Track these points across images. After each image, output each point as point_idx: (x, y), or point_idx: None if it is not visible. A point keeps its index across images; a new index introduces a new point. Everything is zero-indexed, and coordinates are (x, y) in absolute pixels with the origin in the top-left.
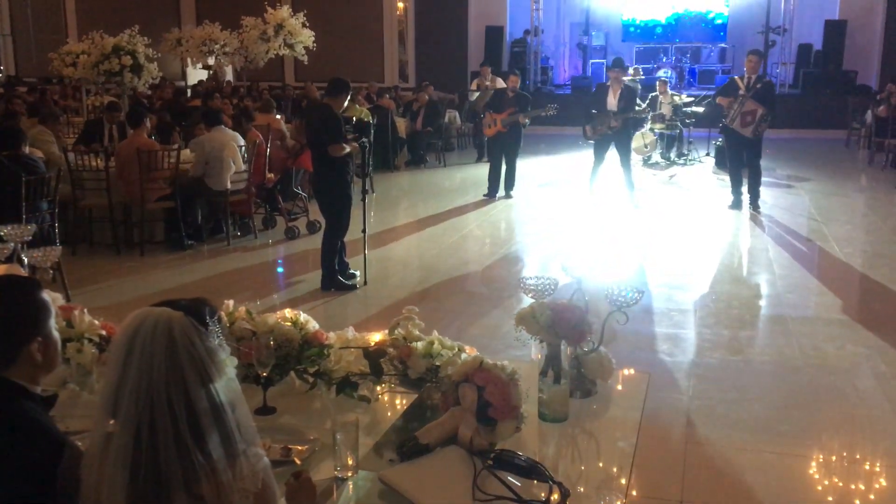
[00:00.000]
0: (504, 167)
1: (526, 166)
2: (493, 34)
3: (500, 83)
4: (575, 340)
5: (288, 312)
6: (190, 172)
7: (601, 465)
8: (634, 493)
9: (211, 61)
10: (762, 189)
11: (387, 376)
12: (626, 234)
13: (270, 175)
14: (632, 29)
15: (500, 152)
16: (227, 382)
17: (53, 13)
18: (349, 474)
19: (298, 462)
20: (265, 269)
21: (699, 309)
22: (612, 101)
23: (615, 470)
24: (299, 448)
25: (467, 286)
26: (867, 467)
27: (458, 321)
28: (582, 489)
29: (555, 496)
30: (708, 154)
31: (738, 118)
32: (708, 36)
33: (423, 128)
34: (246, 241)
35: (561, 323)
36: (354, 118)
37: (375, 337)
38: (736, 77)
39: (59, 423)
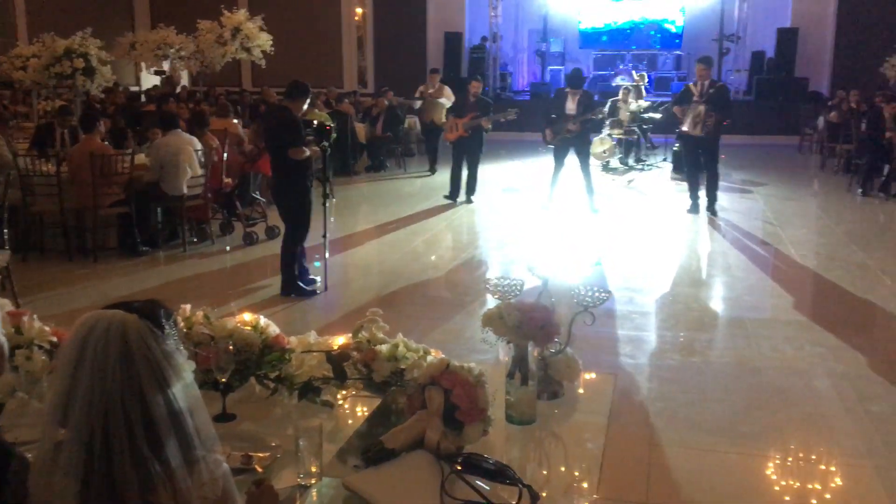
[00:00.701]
0: (466, 172)
1: (487, 171)
2: (452, 40)
3: (448, 92)
4: (542, 341)
5: (248, 316)
6: (145, 177)
7: (569, 467)
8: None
9: (166, 66)
10: (718, 193)
11: (350, 380)
12: (587, 238)
13: (228, 180)
14: (589, 35)
15: (462, 157)
16: (184, 387)
17: (1, 15)
18: (312, 481)
19: (260, 470)
20: (223, 275)
21: (659, 311)
22: (570, 106)
23: (582, 472)
24: (260, 455)
25: (429, 291)
26: (824, 467)
27: (420, 326)
28: (545, 493)
29: (524, 500)
30: (665, 160)
31: (693, 124)
32: (664, 43)
33: (382, 133)
34: (203, 247)
35: (529, 324)
36: (315, 122)
37: (339, 340)
38: (690, 84)
39: (7, 433)
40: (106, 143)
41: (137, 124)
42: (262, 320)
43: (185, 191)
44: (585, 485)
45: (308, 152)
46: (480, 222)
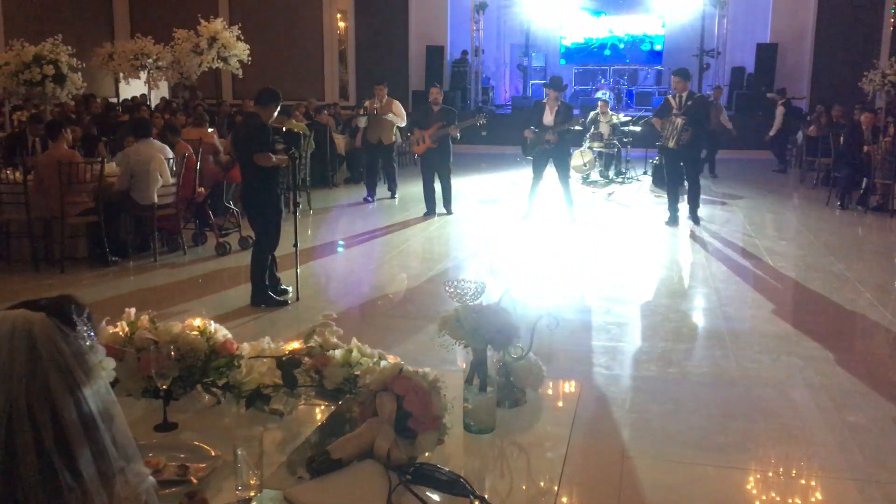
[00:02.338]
0: (439, 184)
1: (465, 184)
2: (434, 54)
3: (397, 108)
4: (501, 345)
5: (197, 321)
6: (115, 186)
7: (528, 478)
8: None
9: (143, 76)
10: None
11: (301, 388)
12: (565, 249)
13: (201, 189)
14: (570, 50)
15: (432, 169)
16: (98, 390)
17: None
18: (252, 494)
19: (195, 481)
20: (193, 285)
21: (637, 322)
22: (548, 118)
23: (543, 483)
24: (199, 466)
25: (403, 302)
26: (802, 480)
27: (391, 336)
28: None
29: None
30: (645, 173)
31: (669, 137)
32: (645, 58)
33: (362, 144)
34: (174, 257)
35: (486, 326)
36: (284, 128)
37: (293, 346)
38: (669, 97)
39: None
40: (75, 150)
41: (112, 133)
42: (212, 325)
43: (156, 200)
44: (544, 497)
45: (275, 159)
46: (456, 233)
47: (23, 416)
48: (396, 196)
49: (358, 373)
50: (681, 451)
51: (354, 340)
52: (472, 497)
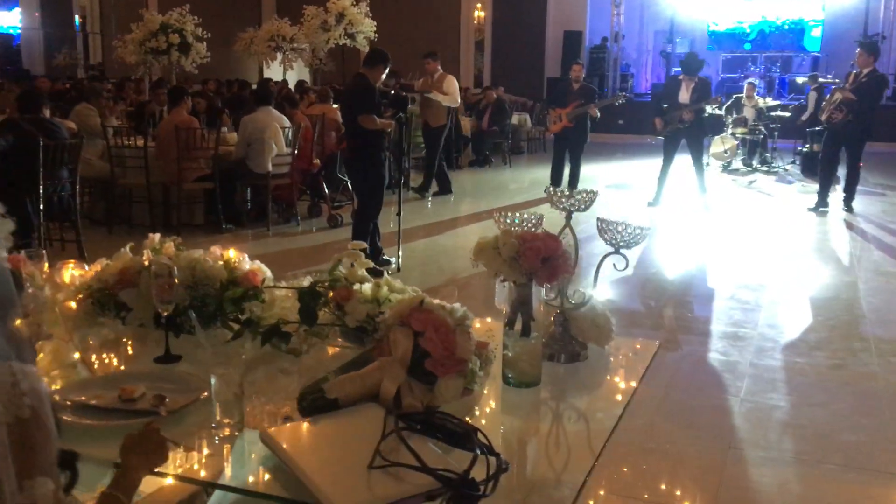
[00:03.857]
0: (568, 165)
1: (595, 170)
2: (572, 39)
3: (449, 85)
4: (546, 279)
5: (232, 253)
6: (233, 154)
7: (567, 445)
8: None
9: (279, 58)
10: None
11: (321, 325)
12: (693, 234)
13: (316, 161)
14: (719, 36)
15: (564, 149)
16: None
17: (136, 11)
18: (226, 432)
19: (164, 414)
20: (301, 254)
21: (765, 309)
22: (684, 95)
23: (581, 455)
24: (177, 399)
25: None
26: None
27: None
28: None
29: (486, 469)
30: (793, 162)
31: (825, 110)
32: (800, 45)
33: (488, 127)
34: (287, 227)
35: (528, 255)
36: (392, 91)
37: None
38: (852, 72)
39: None
40: (194, 117)
41: (240, 109)
42: (244, 259)
43: (270, 168)
44: (574, 472)
45: (379, 122)
46: (576, 215)
47: None
48: (428, 195)
49: (385, 311)
50: (798, 447)
51: (386, 275)
52: (481, 452)
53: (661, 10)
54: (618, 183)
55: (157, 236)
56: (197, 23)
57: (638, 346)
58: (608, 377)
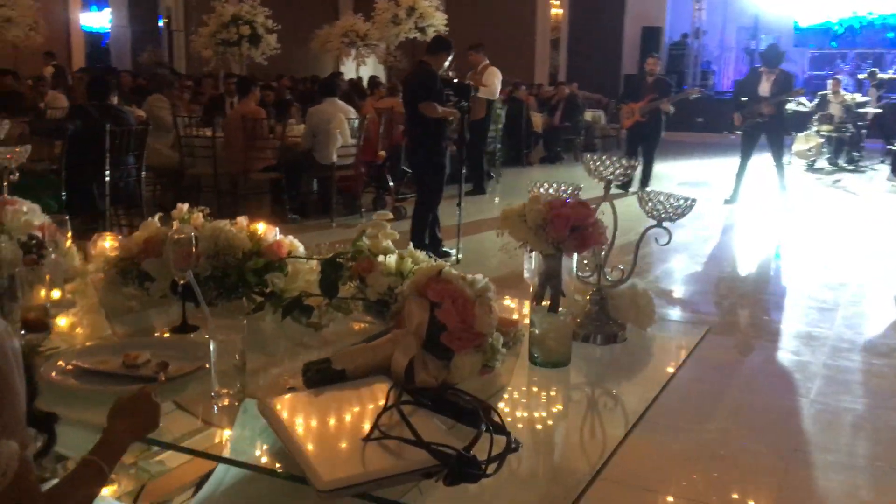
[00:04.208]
0: (641, 161)
1: (671, 168)
2: (650, 35)
3: (489, 76)
4: (575, 249)
5: (262, 226)
6: (300, 145)
7: (591, 433)
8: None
9: (353, 53)
10: None
11: (343, 299)
12: (772, 232)
13: (381, 153)
14: (805, 32)
15: (637, 144)
16: None
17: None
18: (225, 402)
19: (163, 379)
20: None
21: (843, 309)
22: (765, 87)
23: (601, 446)
24: (181, 367)
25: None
26: None
27: None
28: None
29: (494, 448)
30: (883, 162)
31: None
32: (894, 41)
33: (560, 123)
34: (351, 219)
35: (555, 222)
36: (455, 80)
37: None
38: None
39: None
40: (262, 108)
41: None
42: (274, 232)
43: (336, 160)
44: (593, 456)
45: (441, 110)
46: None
47: None
48: (490, 187)
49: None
50: (872, 452)
51: (411, 246)
52: (486, 430)
53: (745, 5)
54: (693, 181)
55: (186, 206)
56: (268, 14)
57: (683, 330)
58: (646, 361)
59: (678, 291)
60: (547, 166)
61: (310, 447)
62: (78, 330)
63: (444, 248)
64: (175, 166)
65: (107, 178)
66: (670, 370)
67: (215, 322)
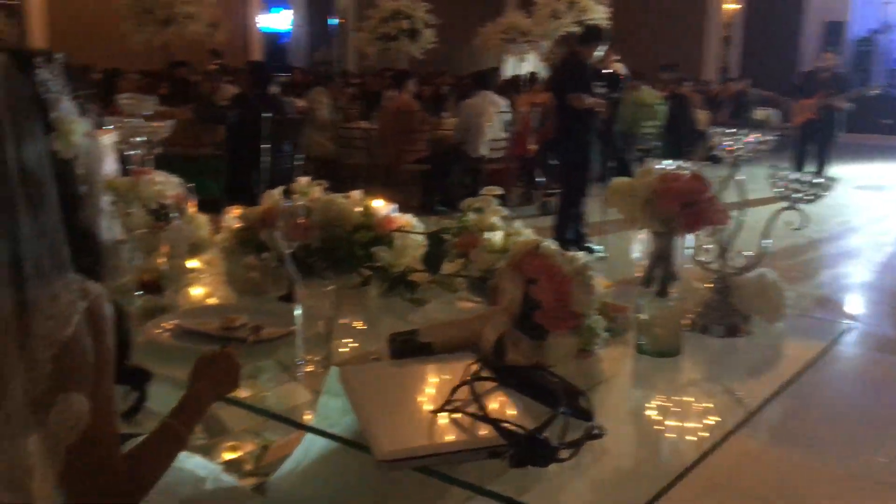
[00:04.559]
0: (814, 162)
1: (850, 170)
2: (832, 31)
3: (619, 69)
4: (687, 227)
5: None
6: (452, 137)
7: (695, 425)
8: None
9: (513, 50)
10: None
11: (446, 276)
12: None
13: (532, 147)
14: None
15: (807, 143)
16: (41, 151)
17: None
18: (310, 369)
19: (250, 340)
20: None
21: None
22: None
23: (692, 443)
24: (272, 332)
25: None
26: None
27: None
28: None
29: (565, 431)
30: None
31: None
32: None
33: (728, 121)
34: None
35: (665, 196)
36: (605, 70)
37: None
38: None
39: None
40: (415, 101)
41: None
42: (390, 208)
43: (485, 153)
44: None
45: (588, 101)
46: (818, 212)
47: None
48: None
49: None
50: None
51: (519, 223)
52: (561, 412)
53: None
54: (874, 185)
55: (307, 179)
56: (428, 9)
57: (819, 328)
58: (769, 358)
59: (851, 301)
60: (709, 165)
61: (378, 417)
62: (198, 295)
63: (589, 244)
64: (333, 157)
65: (264, 165)
66: (796, 370)
67: (305, 290)
